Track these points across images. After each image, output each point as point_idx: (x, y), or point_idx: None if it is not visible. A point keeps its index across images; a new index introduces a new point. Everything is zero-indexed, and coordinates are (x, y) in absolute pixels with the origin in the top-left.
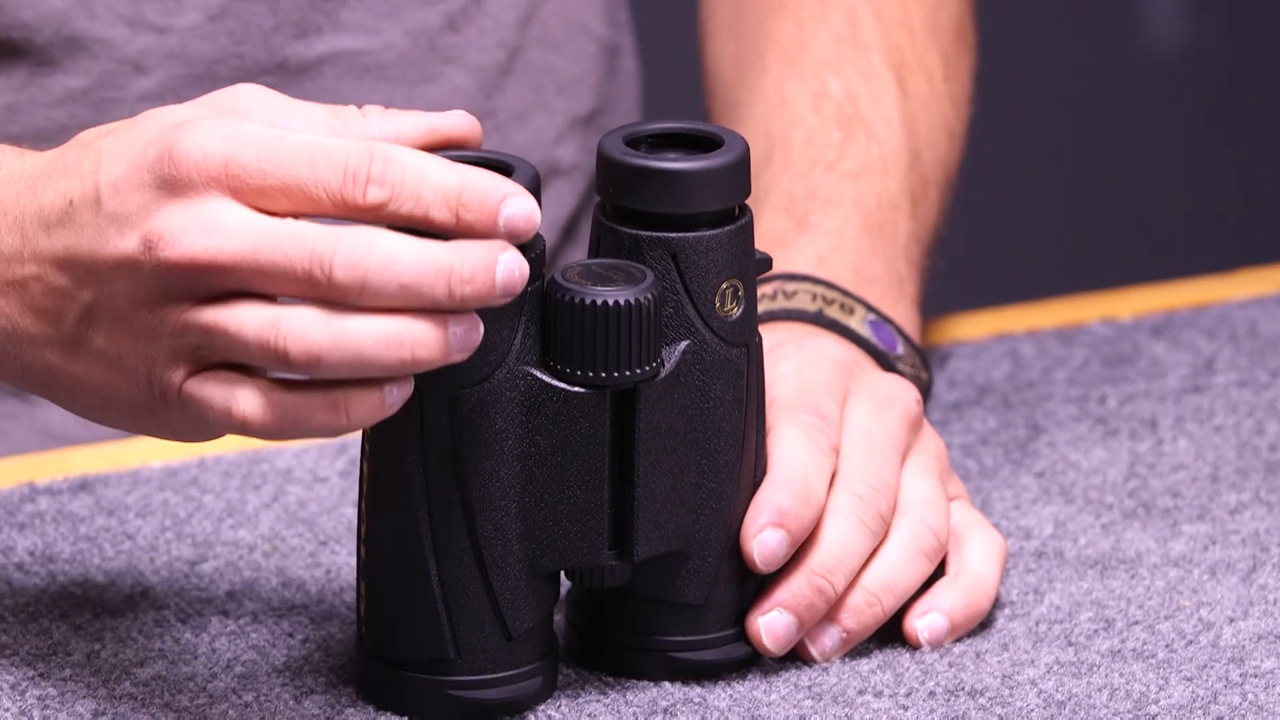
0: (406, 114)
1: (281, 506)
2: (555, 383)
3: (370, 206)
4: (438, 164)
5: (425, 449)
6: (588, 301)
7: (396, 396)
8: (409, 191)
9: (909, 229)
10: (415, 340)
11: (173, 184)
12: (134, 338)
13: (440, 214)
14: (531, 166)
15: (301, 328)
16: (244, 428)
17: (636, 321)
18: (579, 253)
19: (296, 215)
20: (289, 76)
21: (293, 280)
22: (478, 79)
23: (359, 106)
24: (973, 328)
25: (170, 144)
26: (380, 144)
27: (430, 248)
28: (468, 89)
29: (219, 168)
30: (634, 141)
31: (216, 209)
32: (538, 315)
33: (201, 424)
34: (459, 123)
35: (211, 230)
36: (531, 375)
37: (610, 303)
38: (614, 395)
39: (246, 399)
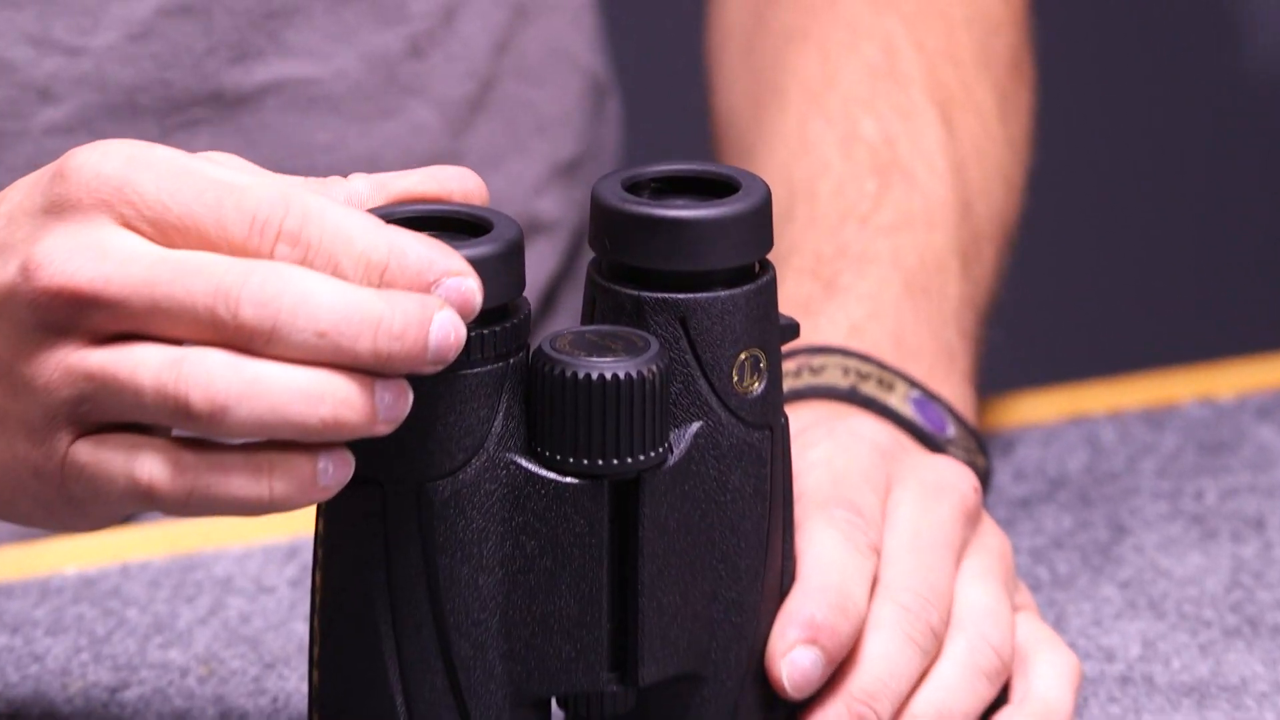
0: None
1: (220, 622)
2: (543, 472)
3: None
4: (367, 228)
5: (389, 553)
6: (581, 375)
7: (332, 476)
8: (324, 257)
9: (959, 291)
10: (338, 398)
11: (60, 205)
12: (13, 395)
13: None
14: (514, 224)
15: (206, 371)
16: (148, 497)
17: (639, 398)
18: (560, 324)
19: None
20: (224, 108)
21: (192, 318)
22: (444, 114)
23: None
24: (1043, 408)
25: (64, 161)
26: (305, 196)
27: (356, 293)
28: (432, 126)
29: (111, 191)
30: (634, 186)
31: (107, 235)
32: (522, 393)
33: (90, 501)
34: (458, 174)
35: (101, 256)
36: (515, 464)
37: (608, 376)
38: (613, 487)
39: (150, 462)
